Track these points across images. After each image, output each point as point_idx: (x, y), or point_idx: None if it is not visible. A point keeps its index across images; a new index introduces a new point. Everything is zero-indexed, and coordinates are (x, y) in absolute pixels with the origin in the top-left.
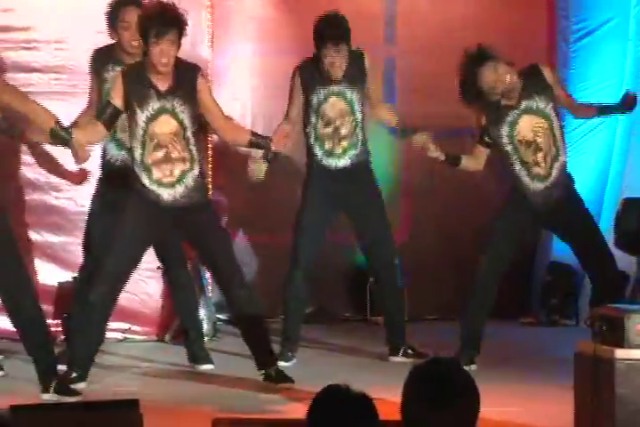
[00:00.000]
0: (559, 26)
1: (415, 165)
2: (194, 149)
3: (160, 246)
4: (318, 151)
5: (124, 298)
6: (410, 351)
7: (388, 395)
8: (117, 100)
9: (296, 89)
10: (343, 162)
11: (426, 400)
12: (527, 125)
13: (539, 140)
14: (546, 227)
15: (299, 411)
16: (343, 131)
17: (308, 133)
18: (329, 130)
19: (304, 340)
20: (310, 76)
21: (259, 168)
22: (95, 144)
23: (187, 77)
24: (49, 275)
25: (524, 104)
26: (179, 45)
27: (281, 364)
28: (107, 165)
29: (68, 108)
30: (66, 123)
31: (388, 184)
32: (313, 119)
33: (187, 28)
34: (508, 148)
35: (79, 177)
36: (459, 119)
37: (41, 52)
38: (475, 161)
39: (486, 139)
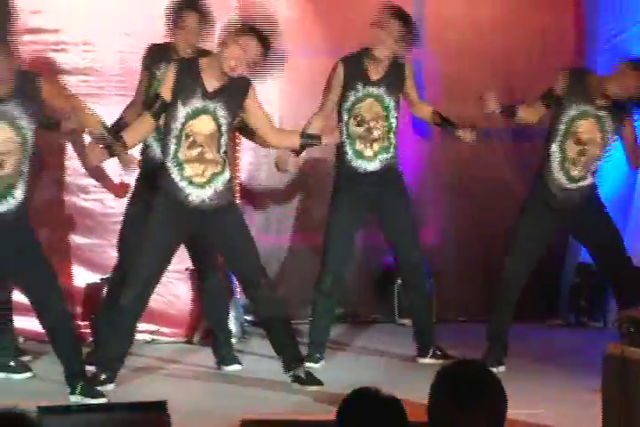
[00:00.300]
0: (588, 27)
1: (445, 165)
2: (225, 153)
3: (194, 248)
4: (349, 150)
5: (152, 300)
6: (438, 353)
7: (415, 396)
8: (165, 92)
9: (336, 81)
10: (373, 165)
11: (453, 401)
12: (588, 128)
13: (588, 147)
14: (563, 226)
15: (327, 412)
16: (376, 133)
17: (340, 130)
18: (361, 129)
19: (331, 341)
20: (353, 70)
21: (286, 160)
22: (144, 140)
23: (237, 85)
24: (77, 277)
25: (600, 112)
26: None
27: (309, 365)
28: (148, 162)
29: (96, 110)
30: None
31: (417, 185)
32: (345, 117)
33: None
34: (560, 127)
35: (122, 190)
36: (487, 121)
37: (69, 54)
38: (531, 112)
39: (549, 101)
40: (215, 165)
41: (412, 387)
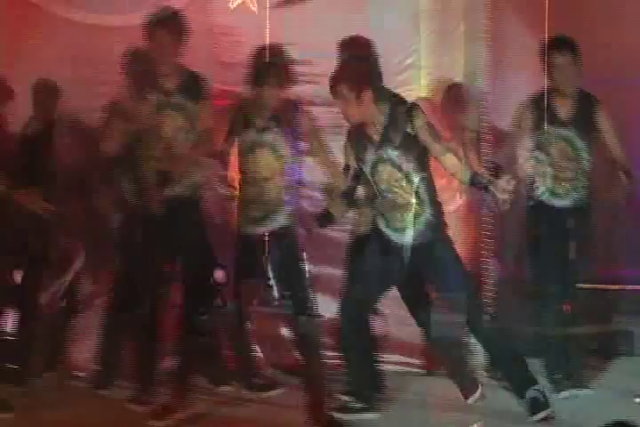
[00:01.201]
0: None
1: None
2: (424, 192)
3: (404, 292)
4: (541, 187)
5: (402, 331)
6: None
7: None
8: (352, 161)
9: (522, 127)
10: (563, 202)
11: None
12: None
13: None
14: None
15: None
16: (568, 173)
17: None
18: (550, 169)
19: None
20: (537, 115)
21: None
22: None
23: (400, 117)
24: (325, 307)
25: None
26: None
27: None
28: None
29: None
30: None
31: None
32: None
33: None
34: None
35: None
36: None
37: (319, 85)
38: None
39: None
40: (412, 209)
41: None
